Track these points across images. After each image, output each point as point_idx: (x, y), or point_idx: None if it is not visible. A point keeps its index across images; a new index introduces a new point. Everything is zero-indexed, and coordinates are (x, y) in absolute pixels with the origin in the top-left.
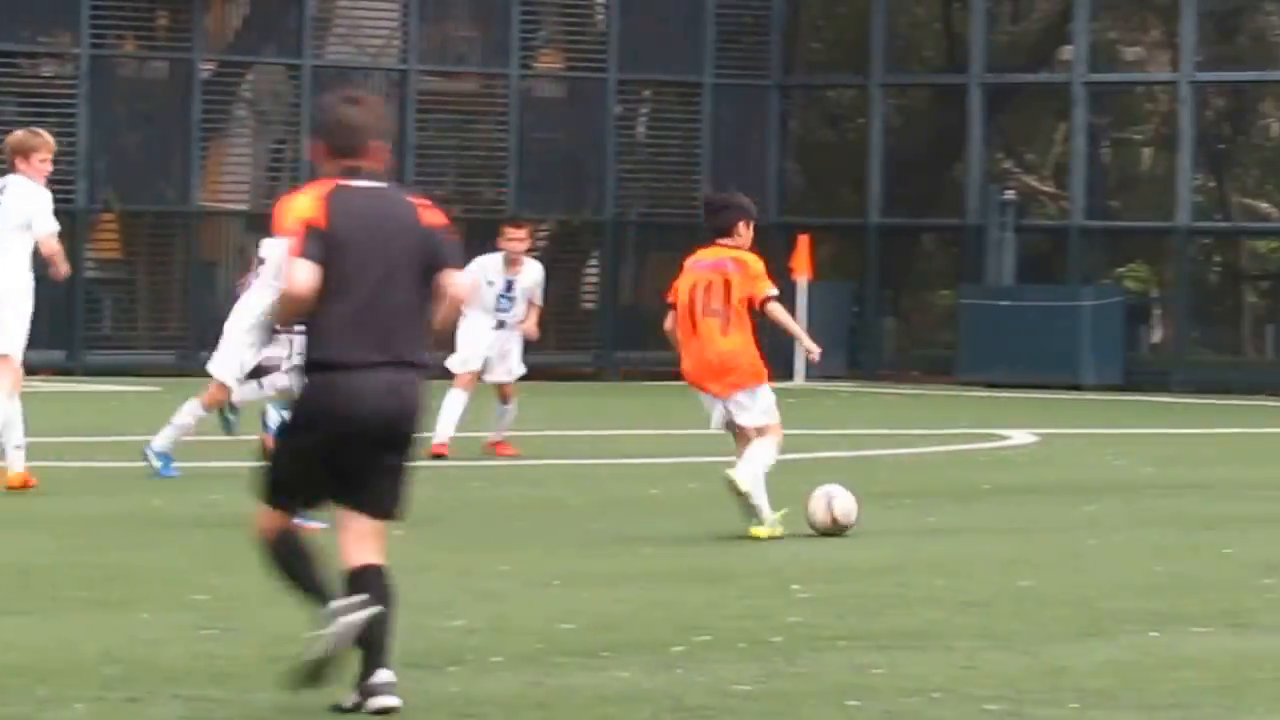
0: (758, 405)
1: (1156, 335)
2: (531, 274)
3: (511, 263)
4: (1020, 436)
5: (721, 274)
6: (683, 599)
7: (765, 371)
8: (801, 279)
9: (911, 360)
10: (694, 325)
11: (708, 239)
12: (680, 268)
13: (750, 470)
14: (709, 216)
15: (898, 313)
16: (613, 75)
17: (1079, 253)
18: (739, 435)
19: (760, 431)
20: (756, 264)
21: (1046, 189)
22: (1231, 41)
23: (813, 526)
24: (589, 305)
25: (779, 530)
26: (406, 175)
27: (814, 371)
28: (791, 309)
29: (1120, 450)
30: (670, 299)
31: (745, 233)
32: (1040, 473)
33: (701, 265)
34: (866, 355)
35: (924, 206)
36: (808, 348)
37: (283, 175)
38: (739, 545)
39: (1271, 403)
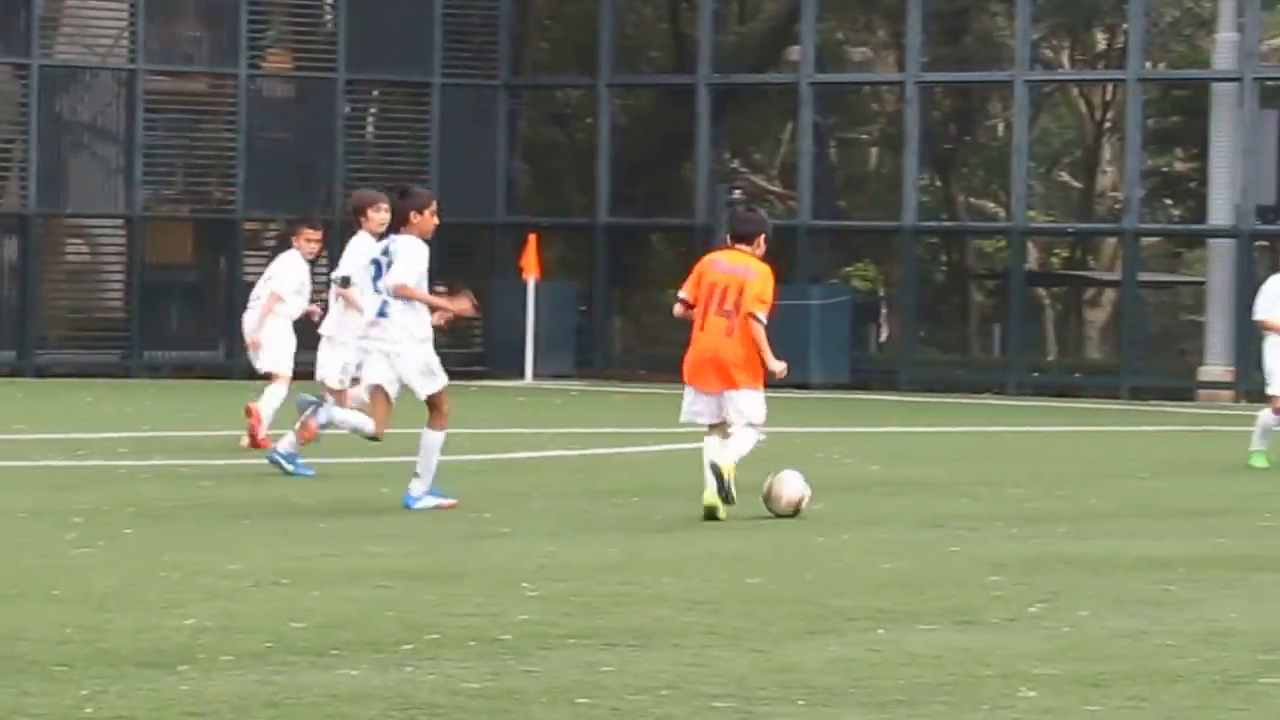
0: (748, 403)
1: (884, 334)
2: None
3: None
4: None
5: (739, 280)
6: (412, 598)
7: (762, 374)
8: (530, 278)
9: (640, 359)
10: (703, 322)
11: (724, 243)
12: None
13: (729, 455)
14: (738, 224)
15: (626, 312)
16: (341, 75)
17: (806, 252)
18: (715, 429)
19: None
20: (768, 281)
21: (774, 189)
22: (957, 43)
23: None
24: None
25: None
26: (135, 175)
27: (543, 370)
28: (520, 308)
29: (848, 449)
30: (685, 294)
31: (763, 246)
32: (768, 471)
33: (721, 267)
34: (595, 354)
35: (653, 206)
36: (772, 369)
37: (11, 174)
38: (469, 544)
39: (997, 401)
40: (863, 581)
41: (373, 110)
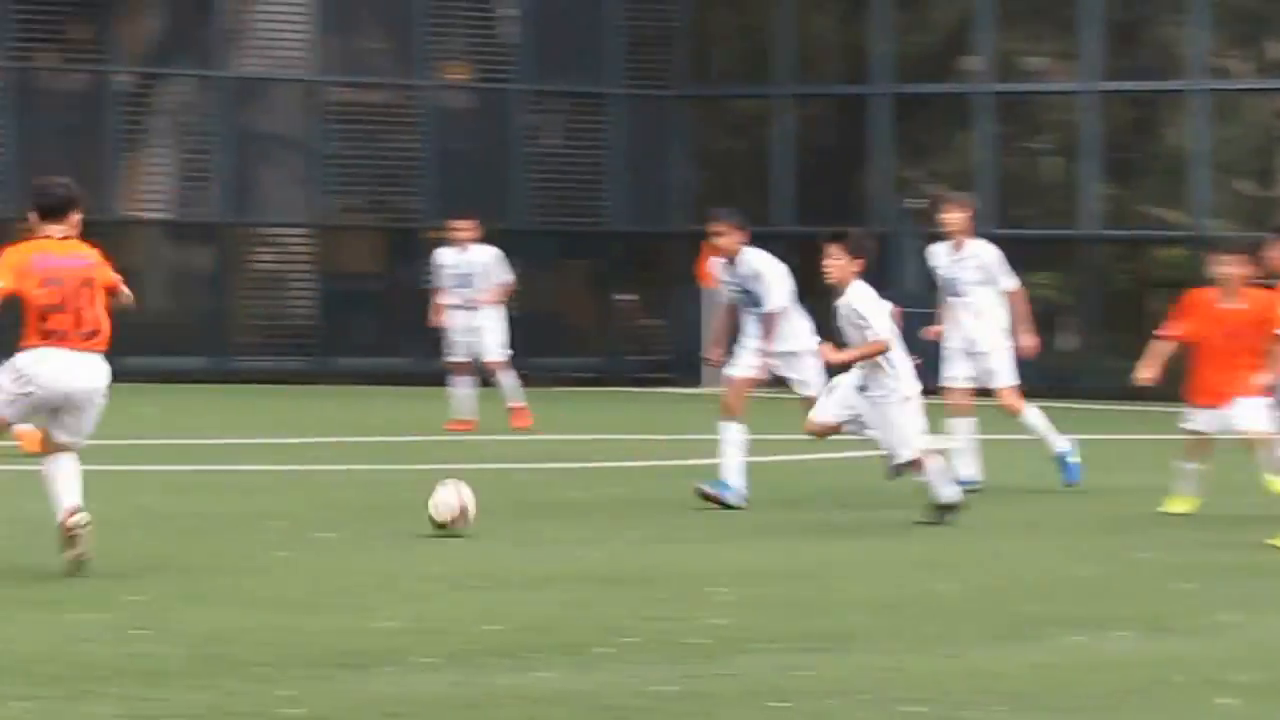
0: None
1: (1065, 342)
2: (484, 256)
3: (461, 250)
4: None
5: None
6: (605, 601)
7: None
8: (708, 286)
9: None
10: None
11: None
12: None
13: None
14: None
15: None
16: (520, 86)
17: None
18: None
19: None
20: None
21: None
22: (1133, 52)
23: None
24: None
25: None
26: (319, 186)
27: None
28: (699, 316)
29: (1029, 454)
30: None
31: None
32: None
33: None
34: None
35: (829, 216)
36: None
37: (201, 185)
38: (661, 548)
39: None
40: (1052, 587)
41: (550, 121)
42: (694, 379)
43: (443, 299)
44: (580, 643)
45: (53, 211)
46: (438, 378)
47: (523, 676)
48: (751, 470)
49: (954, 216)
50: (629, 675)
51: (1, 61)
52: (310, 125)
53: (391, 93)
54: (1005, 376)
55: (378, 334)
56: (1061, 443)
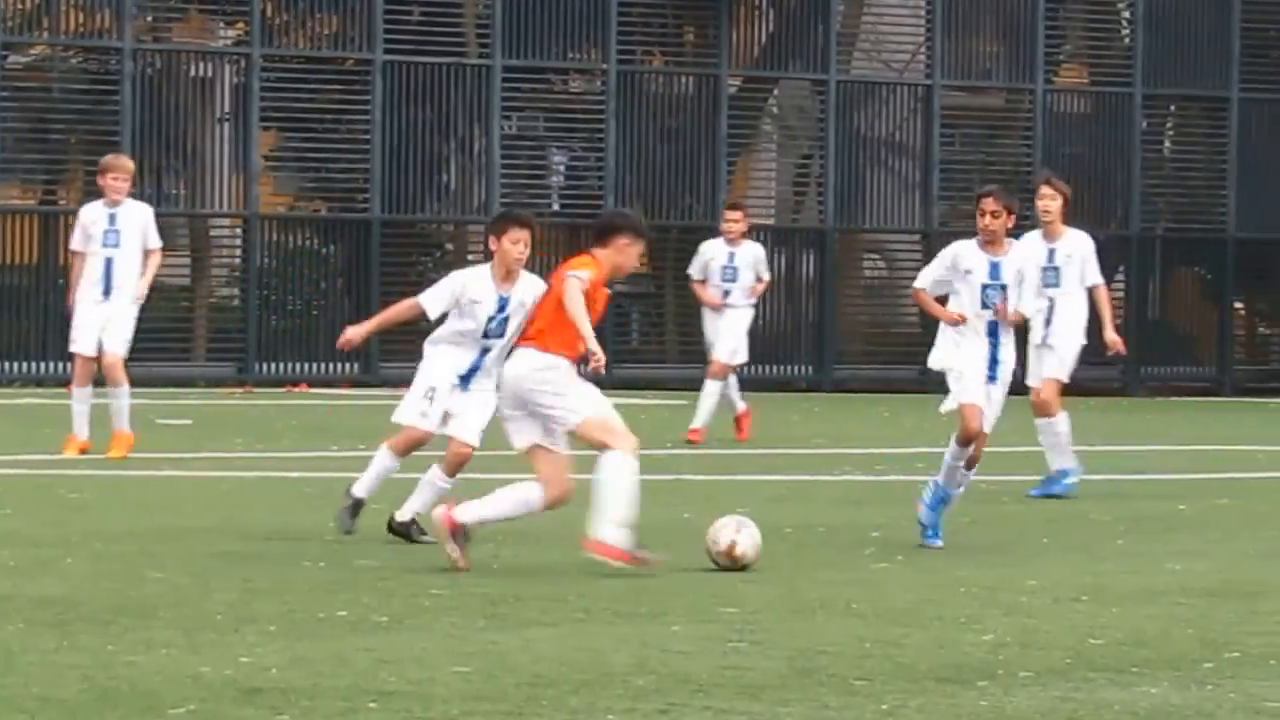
0: None
1: None
2: (751, 252)
3: (730, 243)
4: None
5: None
6: (1211, 615)
7: None
8: None
9: None
10: None
11: None
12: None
13: None
14: None
15: None
16: (1138, 90)
17: None
18: None
19: None
20: None
21: None
22: None
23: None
24: (1117, 322)
25: None
26: (932, 191)
27: None
28: None
29: None
30: None
31: None
32: None
33: None
34: None
35: None
36: None
37: (809, 190)
38: (1268, 562)
39: None
40: None
41: (1169, 126)
42: None
43: (707, 292)
44: (1184, 657)
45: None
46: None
47: (1126, 691)
48: None
49: None
50: (1233, 691)
51: (609, 64)
52: (922, 129)
53: (1006, 96)
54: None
55: None
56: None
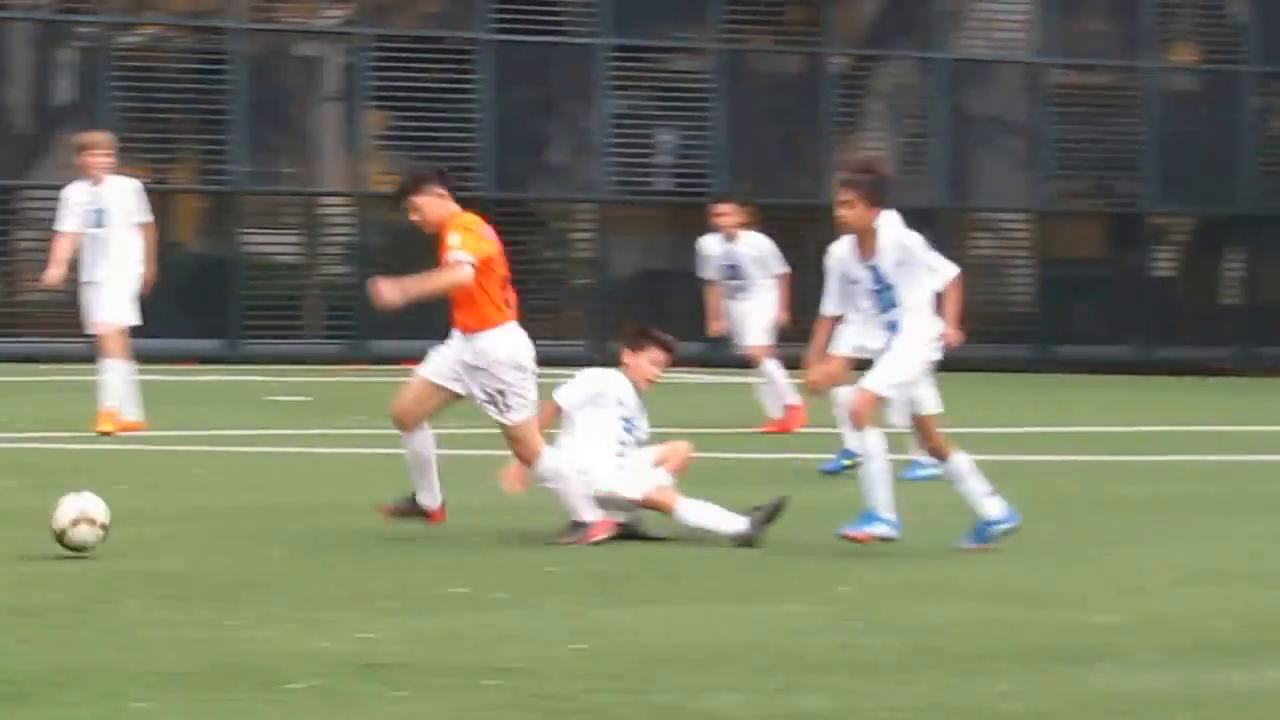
0: None
1: None
2: (752, 243)
3: (727, 238)
4: None
5: None
6: None
7: None
8: None
9: None
10: None
11: None
12: None
13: None
14: None
15: None
16: (1250, 68)
17: None
18: None
19: None
20: None
21: None
22: None
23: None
24: (1230, 301)
25: None
26: (1041, 169)
27: None
28: None
29: None
30: None
31: None
32: None
33: None
34: None
35: None
36: None
37: (919, 168)
38: None
39: None
40: None
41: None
42: None
43: (713, 295)
44: None
45: None
46: (1163, 366)
47: (1249, 674)
48: None
49: None
50: None
51: (713, 43)
52: (1031, 108)
53: (1115, 75)
54: None
55: (1100, 322)
56: None
